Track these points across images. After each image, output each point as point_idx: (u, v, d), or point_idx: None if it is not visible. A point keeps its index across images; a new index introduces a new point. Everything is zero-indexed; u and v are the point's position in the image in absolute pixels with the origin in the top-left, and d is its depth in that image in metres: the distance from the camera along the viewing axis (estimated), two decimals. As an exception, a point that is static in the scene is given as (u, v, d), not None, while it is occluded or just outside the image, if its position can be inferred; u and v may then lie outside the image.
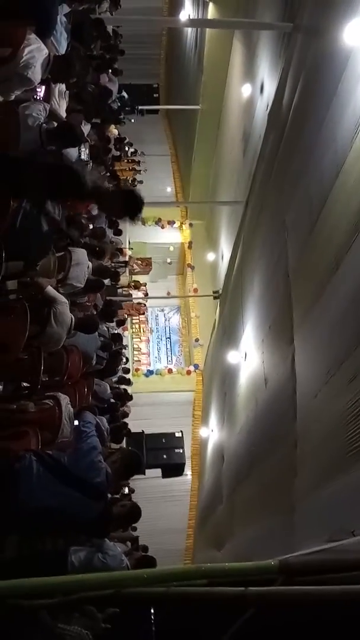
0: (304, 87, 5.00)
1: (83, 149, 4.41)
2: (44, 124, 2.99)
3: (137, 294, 14.95)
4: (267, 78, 7.98)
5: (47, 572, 1.73)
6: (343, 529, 2.52)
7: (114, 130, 10.00)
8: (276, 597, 1.16)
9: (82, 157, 4.38)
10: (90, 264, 4.37)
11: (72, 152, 3.97)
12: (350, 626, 1.14)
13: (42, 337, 3.20)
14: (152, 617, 2.08)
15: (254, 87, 8.99)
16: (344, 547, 1.56)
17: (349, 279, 2.88)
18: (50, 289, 3.22)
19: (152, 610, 2.05)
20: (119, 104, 12.75)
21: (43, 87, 3.63)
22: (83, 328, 3.94)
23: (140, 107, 13.97)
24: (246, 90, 9.39)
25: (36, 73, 3.02)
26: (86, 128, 4.88)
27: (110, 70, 8.59)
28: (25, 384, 3.27)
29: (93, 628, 3.16)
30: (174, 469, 11.57)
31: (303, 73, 5.15)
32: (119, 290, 11.73)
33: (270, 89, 7.54)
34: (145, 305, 15.56)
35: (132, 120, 14.12)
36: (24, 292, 3.15)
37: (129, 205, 2.68)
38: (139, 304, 14.58)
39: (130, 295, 14.45)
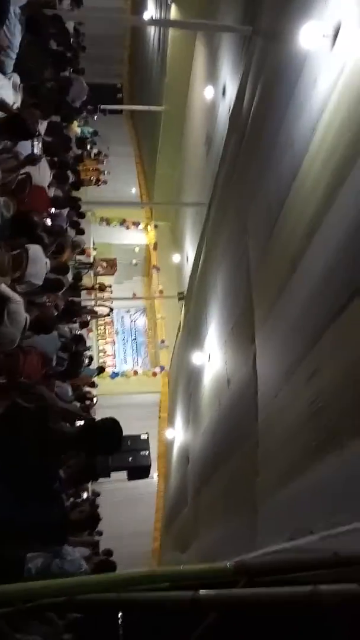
0: (263, 90, 5.06)
1: (36, 143, 4.33)
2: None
3: (101, 295, 14.82)
4: (229, 81, 8.05)
5: (4, 579, 1.67)
6: (302, 529, 2.55)
7: (75, 130, 9.88)
8: (228, 600, 1.15)
9: (35, 151, 4.30)
10: (48, 260, 4.29)
11: (25, 145, 3.89)
12: (307, 627, 1.14)
13: (-4, 339, 3.11)
14: (120, 620, 2.04)
15: (216, 90, 9.05)
16: (300, 546, 1.57)
17: (305, 280, 2.92)
18: (3, 287, 3.13)
19: (120, 614, 2.01)
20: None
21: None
22: (38, 328, 3.86)
23: (102, 107, 13.86)
24: (209, 92, 9.45)
25: None
26: (43, 125, 4.79)
27: (71, 69, 8.50)
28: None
29: (54, 635, 3.09)
30: (140, 472, 11.52)
31: (262, 76, 5.21)
32: (83, 292, 11.60)
33: (232, 91, 7.60)
34: (110, 307, 15.45)
35: (95, 118, 14.01)
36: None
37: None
38: (104, 305, 14.46)
39: (95, 296, 14.32)
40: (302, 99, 3.49)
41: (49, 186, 5.80)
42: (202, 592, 1.11)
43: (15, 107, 3.95)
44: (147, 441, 12.10)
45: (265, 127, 4.65)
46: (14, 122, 3.83)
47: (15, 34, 3.81)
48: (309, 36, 3.13)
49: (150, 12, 13.65)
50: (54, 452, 2.36)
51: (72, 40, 8.92)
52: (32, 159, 4.30)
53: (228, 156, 6.74)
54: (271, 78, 4.77)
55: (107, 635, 2.40)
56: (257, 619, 1.28)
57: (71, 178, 7.70)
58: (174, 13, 10.93)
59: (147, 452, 12.03)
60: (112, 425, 2.49)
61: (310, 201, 2.95)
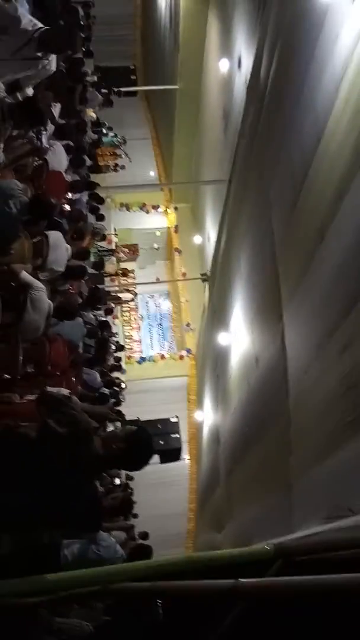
0: (281, 55, 4.84)
1: (44, 133, 4.22)
2: (6, 98, 2.83)
3: (125, 281, 14.82)
4: (244, 51, 7.79)
5: (40, 567, 1.65)
6: (340, 506, 2.46)
7: (91, 114, 9.75)
8: (270, 589, 1.07)
9: (43, 140, 4.20)
10: (69, 247, 4.23)
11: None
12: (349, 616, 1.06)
13: (19, 326, 3.07)
14: (158, 605, 2.00)
15: (231, 62, 8.79)
16: (339, 527, 1.48)
17: (334, 248, 2.78)
18: (25, 275, 3.09)
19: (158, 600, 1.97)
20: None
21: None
22: (62, 314, 3.82)
23: (117, 88, 13.67)
24: (224, 65, 9.18)
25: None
26: (56, 108, 4.71)
27: (83, 50, 8.36)
28: (6, 376, 3.16)
29: (94, 619, 3.10)
30: (171, 454, 11.58)
31: (279, 41, 4.99)
32: (106, 279, 11.59)
33: (247, 62, 7.36)
34: (134, 293, 15.43)
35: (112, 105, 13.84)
36: (-1, 280, 3.03)
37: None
38: (128, 290, 14.45)
39: (119, 282, 14.32)
40: (324, 58, 3.31)
41: (65, 171, 5.73)
42: (243, 580, 1.03)
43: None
44: (177, 424, 12.15)
45: (285, 93, 4.45)
46: (27, 107, 3.75)
47: (24, 13, 3.71)
48: (329, -12, 2.94)
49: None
50: (89, 477, 2.30)
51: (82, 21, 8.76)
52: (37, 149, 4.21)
53: (247, 129, 6.54)
54: (289, 41, 4.56)
55: (146, 618, 2.37)
56: (298, 606, 1.20)
57: (88, 163, 7.62)
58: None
59: (177, 435, 12.08)
60: (145, 440, 2.38)
61: (337, 164, 2.80)
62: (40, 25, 3.33)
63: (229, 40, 8.93)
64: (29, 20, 3.27)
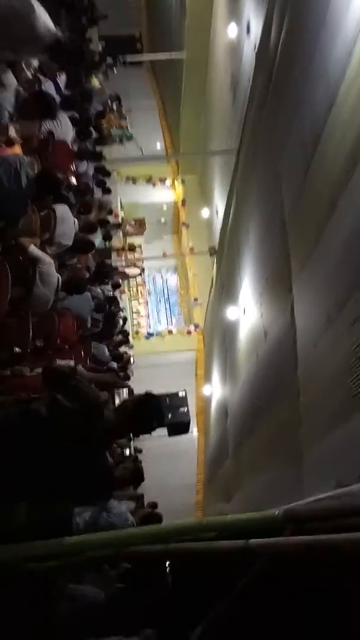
0: (291, 21, 4.69)
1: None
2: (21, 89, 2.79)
3: (132, 256, 14.76)
4: (253, 16, 7.56)
5: (53, 535, 1.69)
6: (350, 474, 2.49)
7: (96, 84, 9.57)
8: (280, 548, 1.09)
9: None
10: (76, 220, 4.21)
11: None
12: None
13: (29, 300, 3.08)
14: (168, 569, 2.05)
15: (240, 28, 8.54)
16: (350, 492, 1.49)
17: (347, 218, 2.74)
18: (33, 248, 3.09)
19: (167, 565, 2.02)
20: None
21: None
22: (71, 288, 3.83)
23: (122, 58, 13.36)
24: (232, 31, 8.93)
25: None
26: (62, 78, 4.61)
27: (88, 18, 8.15)
28: (17, 349, 3.18)
29: (107, 585, 3.18)
30: (179, 428, 11.71)
31: (290, 4, 4.83)
32: (113, 253, 11.55)
33: (256, 27, 7.15)
34: (141, 268, 15.37)
35: (115, 71, 13.57)
36: (7, 254, 3.02)
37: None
38: (135, 266, 14.40)
39: (125, 257, 14.27)
40: (336, 23, 3.20)
41: (71, 144, 5.66)
42: (252, 541, 1.06)
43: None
44: (185, 398, 12.25)
45: (296, 60, 4.33)
46: (37, 100, 3.72)
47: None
48: None
49: None
50: (101, 449, 2.33)
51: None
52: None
53: (256, 98, 6.39)
54: (300, 5, 4.41)
55: (156, 583, 2.43)
56: (307, 566, 1.23)
57: (94, 134, 7.50)
58: None
59: (185, 409, 12.19)
60: (154, 402, 2.40)
61: (348, 132, 2.74)
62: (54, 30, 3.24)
63: (237, 3, 8.66)
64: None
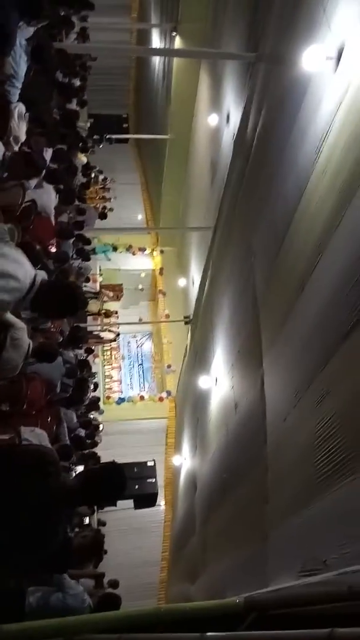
0: (267, 115, 5.10)
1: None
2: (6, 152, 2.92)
3: (107, 321, 14.81)
4: (233, 108, 8.17)
5: (5, 613, 1.59)
6: (315, 559, 2.43)
7: (82, 158, 10.02)
8: (238, 641, 1.06)
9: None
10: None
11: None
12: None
13: (-1, 364, 3.06)
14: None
15: (220, 117, 9.18)
16: (312, 582, 1.47)
17: (313, 300, 2.87)
18: (9, 315, 3.10)
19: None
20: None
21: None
22: (42, 356, 3.81)
23: (108, 135, 14.12)
24: (213, 120, 9.59)
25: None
26: (48, 153, 4.84)
27: (78, 100, 8.66)
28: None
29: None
30: (146, 500, 11.26)
31: (266, 101, 5.27)
32: (89, 318, 11.59)
33: (235, 118, 7.70)
34: (116, 332, 15.39)
35: (101, 146, 14.30)
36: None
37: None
38: (110, 330, 14.42)
39: (101, 322, 14.31)
40: (306, 121, 3.50)
41: (54, 209, 5.83)
42: (209, 634, 1.02)
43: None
44: (153, 468, 11.88)
45: (270, 150, 4.67)
46: (24, 157, 3.87)
47: (21, 64, 3.87)
48: (312, 59, 3.15)
49: (155, 44, 14.01)
50: (56, 512, 2.21)
51: (78, 71, 9.11)
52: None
53: (233, 181, 6.78)
54: (275, 102, 4.82)
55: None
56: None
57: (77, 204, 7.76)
58: (178, 44, 11.19)
59: (153, 480, 11.79)
60: (115, 472, 2.33)
61: (317, 220, 2.92)
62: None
63: (218, 95, 9.38)
64: None
